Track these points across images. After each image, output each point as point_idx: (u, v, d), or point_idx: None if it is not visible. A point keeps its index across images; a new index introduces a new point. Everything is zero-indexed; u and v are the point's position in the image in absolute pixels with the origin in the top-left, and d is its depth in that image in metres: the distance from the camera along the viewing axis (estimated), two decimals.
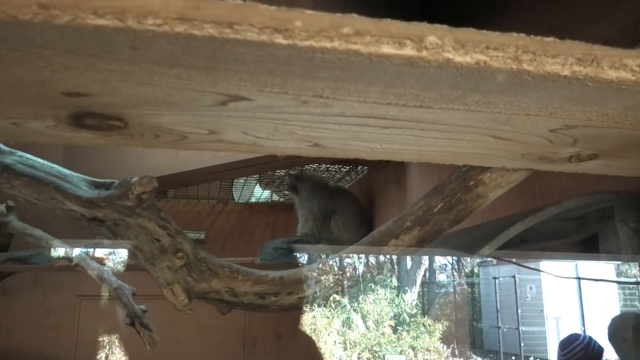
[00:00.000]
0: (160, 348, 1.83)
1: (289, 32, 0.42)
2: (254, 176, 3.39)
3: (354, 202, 2.94)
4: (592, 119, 0.61)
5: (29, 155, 1.15)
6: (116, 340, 3.97)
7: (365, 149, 0.70)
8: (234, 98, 0.54)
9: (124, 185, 1.06)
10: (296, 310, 1.17)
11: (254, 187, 3.71)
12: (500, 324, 8.10)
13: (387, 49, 0.44)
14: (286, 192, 3.10)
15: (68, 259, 1.90)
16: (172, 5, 0.39)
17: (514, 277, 7.53)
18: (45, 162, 1.16)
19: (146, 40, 0.41)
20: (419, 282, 8.66)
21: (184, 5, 0.40)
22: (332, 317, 7.26)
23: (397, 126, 0.63)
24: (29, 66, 0.47)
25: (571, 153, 0.74)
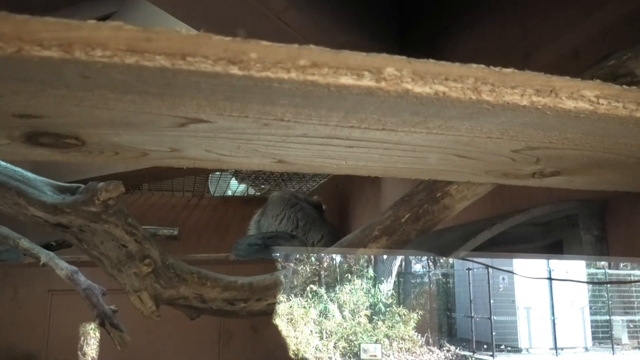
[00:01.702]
0: (133, 344, 1.81)
1: (244, 64, 0.41)
2: (230, 170, 3.37)
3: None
4: (553, 141, 0.62)
5: None
6: (88, 336, 3.91)
7: (331, 165, 0.70)
8: (192, 120, 0.53)
9: (90, 191, 1.04)
10: (266, 316, 1.17)
11: (230, 181, 3.69)
12: (473, 314, 8.24)
13: (346, 80, 0.44)
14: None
15: (36, 257, 1.86)
16: (122, 37, 0.38)
17: (487, 269, 7.68)
18: (8, 165, 1.13)
19: (96, 70, 0.40)
20: (394, 273, 8.74)
21: (134, 36, 0.38)
22: (309, 307, 7.29)
23: (361, 146, 0.63)
24: None
25: (534, 170, 0.75)
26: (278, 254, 2.74)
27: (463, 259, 1.38)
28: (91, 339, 4.04)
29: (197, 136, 0.58)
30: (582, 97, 0.50)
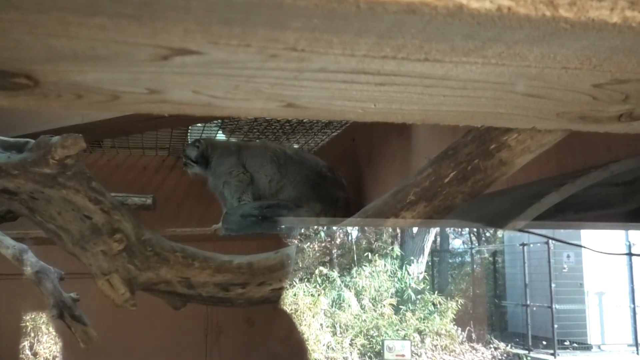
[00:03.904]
0: (102, 340, 1.86)
1: None
2: (215, 121, 3.37)
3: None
4: None
5: None
6: (44, 327, 4.01)
7: (355, 109, 0.70)
8: (178, 52, 0.53)
9: (42, 147, 1.04)
10: (269, 304, 1.19)
11: (215, 135, 3.69)
12: (528, 302, 8.32)
13: None
14: (189, 166, 3.13)
15: None
16: None
17: (547, 243, 7.66)
18: None
19: None
20: (427, 251, 8.80)
21: None
22: (319, 295, 7.39)
23: (395, 82, 0.62)
24: None
25: (621, 111, 0.74)
26: (280, 228, 2.77)
27: (522, 230, 1.38)
28: (44, 335, 4.15)
29: (183, 72, 0.57)
30: None
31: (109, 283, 1.10)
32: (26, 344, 4.06)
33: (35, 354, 4.17)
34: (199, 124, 3.45)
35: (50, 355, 4.17)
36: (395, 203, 1.00)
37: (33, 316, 3.90)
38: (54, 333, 4.03)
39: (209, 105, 0.67)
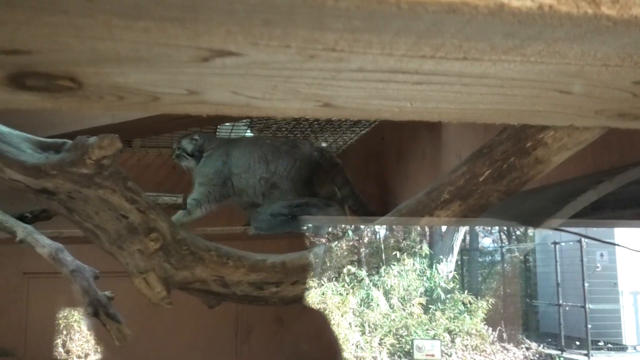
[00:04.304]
0: (134, 337, 1.89)
1: None
2: (243, 120, 3.39)
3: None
4: None
5: None
6: (75, 324, 4.07)
7: (391, 108, 0.70)
8: (219, 53, 0.54)
9: (79, 148, 1.07)
10: (302, 302, 1.20)
11: (244, 134, 3.72)
12: (561, 301, 8.23)
13: None
14: (182, 159, 3.12)
15: (11, 232, 1.94)
16: None
17: (579, 241, 7.57)
18: None
19: None
20: (457, 249, 8.75)
21: None
22: (347, 294, 7.39)
23: (432, 82, 0.63)
24: None
25: None
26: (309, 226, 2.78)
27: (554, 228, 1.37)
28: (76, 333, 4.22)
29: (223, 74, 0.59)
30: None
31: (146, 282, 1.12)
32: (59, 341, 4.13)
33: (67, 352, 4.24)
34: (228, 123, 3.48)
35: (82, 352, 4.24)
36: (430, 202, 1.00)
37: (65, 314, 3.97)
38: (86, 331, 4.10)
39: (247, 106, 0.68)
